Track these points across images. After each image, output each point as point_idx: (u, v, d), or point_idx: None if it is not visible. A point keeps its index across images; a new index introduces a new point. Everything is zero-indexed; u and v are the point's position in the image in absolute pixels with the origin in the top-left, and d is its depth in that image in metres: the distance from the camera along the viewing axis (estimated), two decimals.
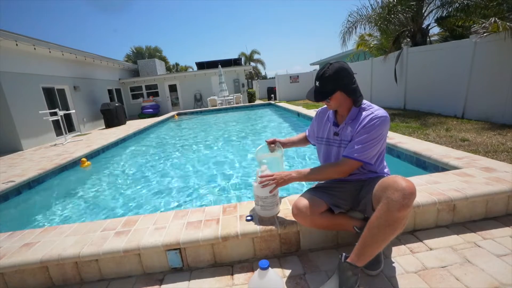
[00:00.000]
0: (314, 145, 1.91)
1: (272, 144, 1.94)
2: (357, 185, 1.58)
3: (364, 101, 1.53)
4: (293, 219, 1.63)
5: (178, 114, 12.93)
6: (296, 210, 1.48)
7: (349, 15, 8.92)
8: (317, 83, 1.49)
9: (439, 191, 1.80)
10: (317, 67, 22.98)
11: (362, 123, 1.45)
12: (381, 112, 1.46)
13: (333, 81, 1.44)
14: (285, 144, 1.97)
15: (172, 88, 17.21)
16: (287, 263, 1.59)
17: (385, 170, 1.60)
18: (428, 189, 1.86)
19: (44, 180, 4.23)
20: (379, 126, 1.42)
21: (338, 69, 1.43)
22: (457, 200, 1.73)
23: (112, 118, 10.44)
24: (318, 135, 1.75)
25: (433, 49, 7.03)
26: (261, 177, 1.59)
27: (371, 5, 8.54)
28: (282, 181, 1.56)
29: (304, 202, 1.47)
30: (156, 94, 16.92)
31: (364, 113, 1.48)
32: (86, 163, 5.00)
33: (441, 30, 9.32)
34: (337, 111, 1.62)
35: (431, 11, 7.80)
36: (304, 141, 2.00)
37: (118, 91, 15.60)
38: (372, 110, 1.48)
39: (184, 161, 4.94)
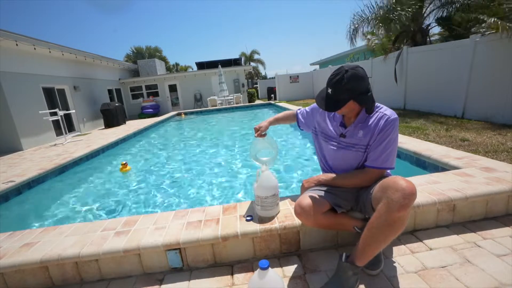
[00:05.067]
0: (302, 129, 1.92)
1: (263, 135, 1.86)
2: None
3: None
4: (293, 219, 1.63)
5: (182, 114, 12.85)
6: (300, 209, 1.48)
7: (354, 15, 8.78)
8: (330, 90, 1.40)
9: (439, 191, 1.80)
10: (317, 67, 22.90)
11: (378, 127, 1.44)
12: (390, 112, 1.46)
13: (347, 91, 1.36)
14: (271, 123, 1.96)
15: (172, 88, 17.21)
16: (287, 263, 1.59)
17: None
18: (428, 189, 1.86)
19: (44, 180, 4.22)
20: (394, 128, 1.43)
21: (355, 77, 1.34)
22: (457, 200, 1.73)
23: (112, 118, 10.43)
24: (318, 128, 1.74)
25: (433, 49, 7.03)
26: (307, 181, 1.67)
27: (376, 4, 8.32)
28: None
29: (308, 201, 1.47)
30: (156, 94, 16.93)
31: (374, 116, 1.47)
32: (127, 168, 4.44)
33: (441, 30, 9.31)
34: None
35: (432, 11, 7.79)
36: (291, 119, 2.00)
37: (118, 91, 15.60)
38: (381, 110, 1.47)
39: (184, 160, 4.94)
